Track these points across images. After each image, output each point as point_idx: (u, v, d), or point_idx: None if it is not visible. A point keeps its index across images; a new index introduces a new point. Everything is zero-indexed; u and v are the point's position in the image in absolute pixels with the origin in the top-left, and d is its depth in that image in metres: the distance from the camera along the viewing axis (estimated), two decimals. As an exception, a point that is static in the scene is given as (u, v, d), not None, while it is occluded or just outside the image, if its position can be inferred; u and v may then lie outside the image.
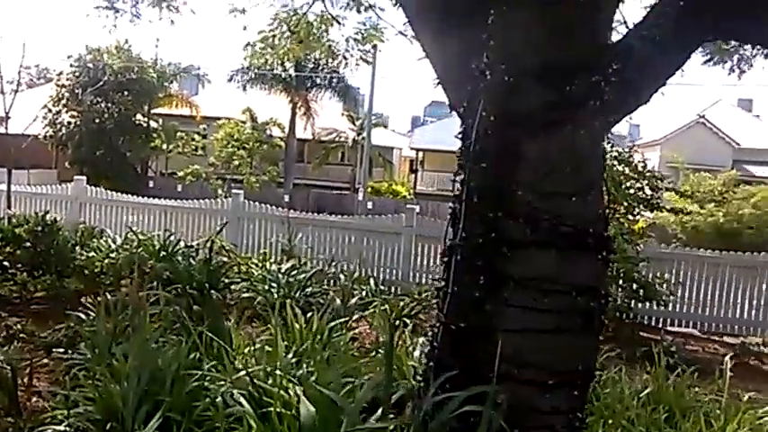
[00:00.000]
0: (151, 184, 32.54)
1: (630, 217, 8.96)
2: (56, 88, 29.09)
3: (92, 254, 9.23)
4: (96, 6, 10.46)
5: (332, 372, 4.26)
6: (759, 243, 24.21)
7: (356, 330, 6.90)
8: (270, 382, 4.09)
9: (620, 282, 8.68)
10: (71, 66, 28.96)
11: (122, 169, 28.87)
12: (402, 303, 8.47)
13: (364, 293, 8.79)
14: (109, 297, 5.94)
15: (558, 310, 3.18)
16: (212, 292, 7.86)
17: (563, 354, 3.24)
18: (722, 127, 34.24)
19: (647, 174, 9.58)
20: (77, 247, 9.35)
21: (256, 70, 32.05)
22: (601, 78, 3.10)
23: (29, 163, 20.92)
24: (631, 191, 9.21)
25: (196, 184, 30.95)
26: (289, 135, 36.45)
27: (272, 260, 10.04)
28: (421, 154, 41.90)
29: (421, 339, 6.28)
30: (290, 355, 4.74)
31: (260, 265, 9.44)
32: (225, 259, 8.93)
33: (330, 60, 28.52)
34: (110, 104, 28.81)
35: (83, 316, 5.98)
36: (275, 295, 7.76)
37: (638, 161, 9.87)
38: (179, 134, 32.78)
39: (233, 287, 8.35)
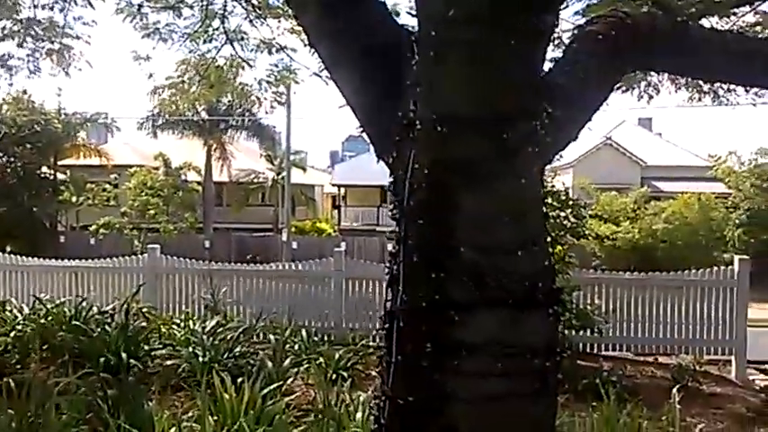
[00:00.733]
0: (62, 239, 31.02)
1: (559, 247, 8.92)
2: (-49, 146, 27.52)
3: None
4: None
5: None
6: (672, 257, 25.16)
7: (292, 392, 6.47)
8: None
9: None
10: (-34, 121, 27.51)
11: (30, 226, 27.41)
12: (337, 355, 8.11)
13: (297, 347, 8.39)
14: (12, 382, 5.33)
15: (513, 374, 2.92)
16: (131, 361, 7.33)
17: (522, 421, 2.98)
18: (628, 147, 35.56)
19: (570, 202, 9.61)
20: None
21: (167, 116, 31.24)
22: (538, 123, 2.91)
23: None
24: (557, 220, 9.19)
25: (110, 237, 29.73)
26: (205, 179, 35.66)
27: (196, 318, 9.50)
28: (343, 190, 41.73)
29: (362, 397, 5.96)
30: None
31: (182, 325, 8.90)
32: (143, 323, 8.35)
33: (243, 102, 28.20)
34: (11, 159, 27.40)
35: (-17, 406, 5.36)
36: (201, 360, 7.26)
37: (560, 190, 9.91)
38: (89, 185, 31.49)
39: (154, 353, 7.78)
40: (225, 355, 7.33)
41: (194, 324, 8.82)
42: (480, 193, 2.88)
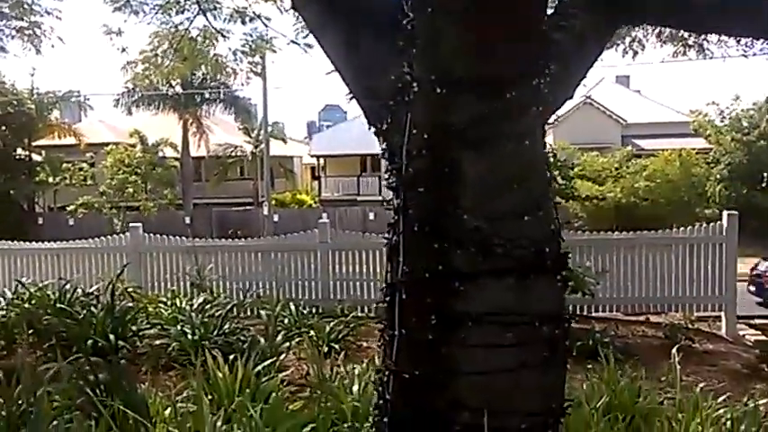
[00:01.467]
0: (40, 220, 30.57)
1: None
2: None
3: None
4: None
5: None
6: (654, 215, 25.27)
7: (284, 367, 6.36)
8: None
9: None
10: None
11: (6, 209, 26.96)
12: (328, 327, 8.02)
13: (286, 321, 8.28)
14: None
15: (522, 344, 2.83)
16: (119, 343, 7.18)
17: (532, 392, 2.90)
18: (608, 105, 35.46)
19: (558, 164, 9.51)
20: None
21: (142, 92, 30.64)
22: (541, 81, 2.77)
23: None
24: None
25: (89, 216, 29.31)
26: (183, 154, 35.11)
27: (182, 295, 9.34)
28: (322, 160, 41.38)
29: (357, 370, 5.87)
30: (218, 420, 4.18)
31: (169, 303, 8.73)
32: (130, 304, 8.17)
33: (219, 74, 27.68)
34: (-16, 142, 26.88)
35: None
36: (191, 338, 7.12)
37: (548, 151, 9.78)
38: (65, 165, 30.92)
39: (142, 333, 7.63)
40: (214, 333, 7.19)
41: (181, 302, 8.66)
42: (483, 158, 2.75)
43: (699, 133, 29.79)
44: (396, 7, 3.04)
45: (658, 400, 5.17)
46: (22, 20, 9.97)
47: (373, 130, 3.51)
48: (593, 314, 10.17)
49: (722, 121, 29.67)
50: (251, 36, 12.38)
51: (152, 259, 10.94)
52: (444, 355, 2.86)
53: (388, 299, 3.12)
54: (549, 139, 32.99)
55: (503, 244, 2.80)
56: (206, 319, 7.51)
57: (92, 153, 32.60)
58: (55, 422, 3.89)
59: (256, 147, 35.91)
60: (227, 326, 7.41)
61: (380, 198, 37.75)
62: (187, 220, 31.19)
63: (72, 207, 29.64)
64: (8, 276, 10.81)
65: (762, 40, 5.16)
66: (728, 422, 4.81)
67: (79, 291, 8.56)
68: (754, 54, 7.37)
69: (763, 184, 27.68)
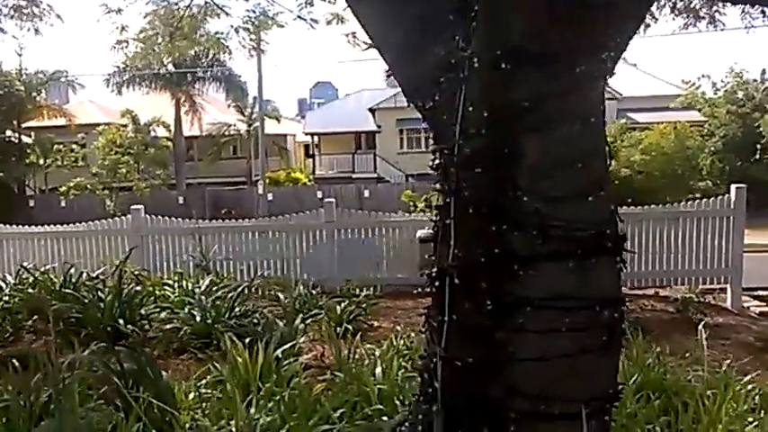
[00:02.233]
0: (32, 203, 30.26)
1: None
2: None
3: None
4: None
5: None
6: (649, 188, 25.22)
7: (299, 350, 6.26)
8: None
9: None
10: None
11: (-3, 192, 26.65)
12: (339, 308, 7.91)
13: (296, 302, 8.16)
14: (16, 360, 5.03)
15: (581, 329, 2.72)
16: (129, 327, 7.05)
17: (590, 378, 2.79)
18: (604, 79, 35.19)
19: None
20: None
21: (133, 71, 30.22)
22: (610, 53, 2.63)
23: None
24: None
25: (81, 198, 29.03)
26: (176, 134, 34.83)
27: (188, 278, 9.19)
28: (316, 138, 41.09)
29: (377, 352, 5.78)
30: (251, 407, 4.07)
31: (176, 286, 8.59)
32: (137, 287, 8.03)
33: (220, 52, 27.28)
34: (-27, 124, 26.45)
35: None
36: (201, 321, 6.99)
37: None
38: (56, 147, 30.54)
39: (151, 317, 7.50)
40: (226, 316, 7.07)
41: (188, 285, 8.53)
42: (547, 137, 2.61)
43: (691, 106, 29.69)
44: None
45: (686, 377, 5.11)
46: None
47: (414, 107, 3.37)
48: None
49: (715, 94, 29.60)
50: (253, 12, 12.13)
51: (154, 241, 10.77)
52: (500, 341, 2.75)
53: (436, 284, 2.99)
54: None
55: (563, 226, 2.67)
56: (216, 302, 7.38)
57: (83, 134, 32.21)
58: (83, 413, 3.76)
59: (250, 125, 35.63)
60: (237, 308, 7.29)
61: (375, 175, 37.64)
62: (180, 200, 30.99)
63: (64, 189, 29.32)
64: (8, 261, 10.63)
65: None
66: (757, 397, 4.78)
67: (84, 275, 8.39)
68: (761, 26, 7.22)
69: (757, 156, 27.71)
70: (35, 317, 7.21)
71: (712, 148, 28.07)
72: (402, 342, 6.05)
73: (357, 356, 5.77)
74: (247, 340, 5.74)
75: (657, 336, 6.95)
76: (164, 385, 4.25)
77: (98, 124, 32.84)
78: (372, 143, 39.36)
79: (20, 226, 11.84)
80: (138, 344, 5.61)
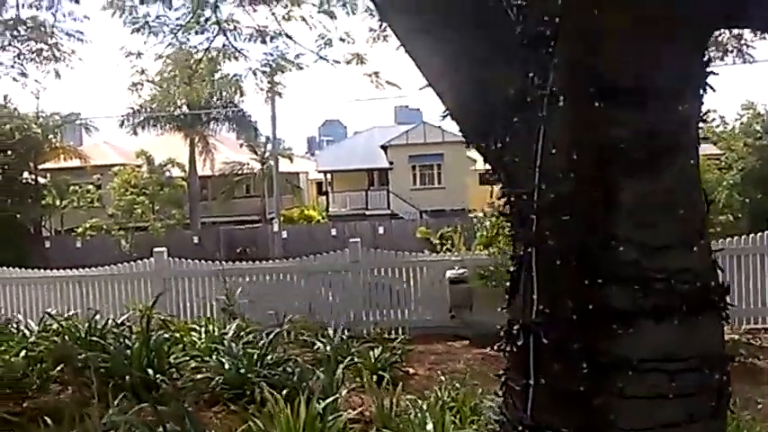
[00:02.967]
0: (47, 244, 30.18)
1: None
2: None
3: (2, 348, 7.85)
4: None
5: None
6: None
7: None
8: None
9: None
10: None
11: (13, 233, 26.56)
12: (372, 354, 7.62)
13: (328, 348, 7.87)
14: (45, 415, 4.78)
15: (688, 393, 2.44)
16: (158, 377, 6.78)
17: (698, 448, 2.51)
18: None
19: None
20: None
21: (149, 112, 30.42)
22: (705, 90, 2.41)
23: None
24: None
25: (97, 239, 28.96)
26: (190, 173, 34.89)
27: (213, 323, 8.94)
28: (329, 176, 41.07)
29: (424, 405, 5.48)
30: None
31: (203, 332, 8.34)
32: (166, 334, 7.77)
33: (232, 93, 27.40)
34: (-9, 167, 26.55)
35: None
36: (234, 371, 6.72)
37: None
38: (72, 188, 30.61)
39: (180, 365, 7.23)
40: (258, 364, 6.79)
41: (215, 330, 8.27)
42: (646, 180, 2.38)
43: (707, 138, 29.49)
44: (518, 13, 2.68)
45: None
46: (39, 42, 9.62)
47: (474, 149, 3.15)
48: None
49: (725, 128, 29.50)
50: (271, 55, 12.14)
51: (177, 284, 10.55)
52: (598, 407, 2.48)
53: (518, 342, 2.73)
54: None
55: (665, 278, 2.42)
56: (247, 349, 7.12)
57: (98, 175, 32.28)
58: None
59: (263, 164, 35.67)
60: (269, 356, 7.02)
61: (389, 212, 37.48)
62: (195, 240, 30.85)
63: (80, 230, 29.29)
64: (30, 306, 10.44)
65: None
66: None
67: (110, 321, 8.16)
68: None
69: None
70: (61, 366, 6.96)
71: (731, 181, 27.77)
72: (447, 393, 5.75)
73: (399, 409, 5.49)
74: (284, 392, 5.47)
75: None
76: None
77: (113, 165, 32.94)
78: (385, 180, 39.30)
79: (37, 270, 11.67)
80: (172, 397, 5.34)
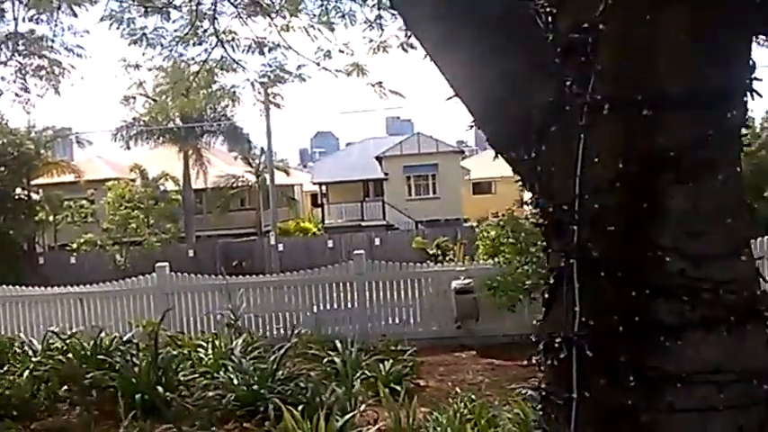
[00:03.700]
0: (41, 260, 29.95)
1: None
2: None
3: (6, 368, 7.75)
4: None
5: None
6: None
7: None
8: None
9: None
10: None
11: (6, 249, 26.34)
12: (382, 367, 7.55)
13: (338, 360, 7.80)
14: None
15: (737, 405, 2.40)
16: (168, 395, 6.70)
17: (745, 461, 2.46)
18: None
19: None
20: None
21: (143, 125, 30.33)
22: (749, 97, 2.38)
23: None
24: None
25: (91, 254, 28.77)
26: (184, 187, 34.76)
27: (219, 338, 8.84)
28: (324, 187, 41.01)
29: (442, 418, 5.42)
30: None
31: (209, 348, 8.25)
32: (172, 351, 7.68)
33: (219, 106, 27.33)
34: (-16, 184, 26.36)
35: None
36: (245, 387, 6.64)
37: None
38: (65, 203, 30.42)
39: (190, 383, 7.14)
40: (269, 380, 6.71)
41: (222, 345, 8.18)
42: (695, 190, 2.34)
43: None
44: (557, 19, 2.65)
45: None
46: (40, 58, 9.52)
47: (503, 159, 3.10)
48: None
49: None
50: (269, 66, 12.09)
51: (180, 299, 10.46)
52: (647, 423, 2.44)
53: (560, 356, 2.68)
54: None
55: (712, 289, 2.38)
56: (256, 364, 7.04)
57: (92, 190, 32.09)
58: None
59: (258, 176, 35.58)
60: (280, 371, 6.94)
61: (384, 223, 37.40)
62: (191, 254, 30.69)
63: (74, 245, 29.09)
64: (32, 324, 10.31)
65: None
66: None
67: (115, 338, 8.06)
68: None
69: (766, 194, 27.51)
70: (68, 385, 6.86)
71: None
72: (463, 405, 5.69)
73: (416, 423, 5.43)
74: (300, 408, 5.40)
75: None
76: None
77: (107, 180, 32.75)
78: (380, 191, 39.25)
79: (35, 287, 11.53)
80: (188, 415, 5.26)
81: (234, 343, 8.19)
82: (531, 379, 6.66)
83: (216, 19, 11.35)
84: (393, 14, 9.46)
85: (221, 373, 7.26)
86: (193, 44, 11.54)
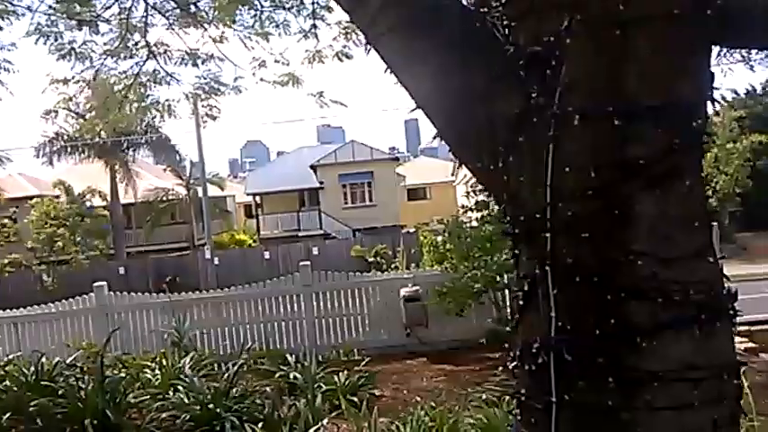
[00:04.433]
0: (-40, 283, 28.56)
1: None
2: None
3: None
4: None
5: None
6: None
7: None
8: None
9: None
10: None
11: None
12: (337, 378, 7.53)
13: (292, 375, 7.73)
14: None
15: (711, 400, 2.52)
16: (118, 419, 6.50)
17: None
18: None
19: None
20: None
21: (67, 140, 29.34)
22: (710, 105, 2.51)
23: None
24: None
25: (15, 275, 27.63)
26: (112, 202, 33.75)
27: (164, 357, 8.63)
28: (258, 198, 40.54)
29: (408, 430, 5.45)
30: None
31: (156, 368, 8.05)
32: (120, 373, 7.46)
33: (146, 119, 26.70)
34: None
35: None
36: (199, 406, 6.50)
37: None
38: (-15, 223, 29.17)
39: (141, 405, 6.95)
40: (224, 398, 6.59)
41: (170, 364, 8.00)
42: (662, 196, 2.45)
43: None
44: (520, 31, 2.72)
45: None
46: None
47: (467, 169, 3.16)
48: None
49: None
50: (204, 78, 11.91)
51: (122, 319, 10.16)
52: (627, 421, 2.53)
53: (537, 362, 2.74)
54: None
55: (682, 290, 2.49)
56: (211, 383, 6.91)
57: (14, 208, 30.84)
58: None
59: (189, 189, 34.90)
60: (234, 388, 6.83)
61: (321, 232, 37.23)
62: (121, 271, 29.81)
63: (-3, 266, 27.92)
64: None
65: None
66: None
67: (58, 363, 7.76)
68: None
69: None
70: (11, 415, 6.56)
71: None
72: (423, 413, 5.73)
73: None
74: (259, 425, 5.34)
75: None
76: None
77: (30, 197, 31.54)
78: (316, 200, 39.10)
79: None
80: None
81: (182, 362, 8.03)
82: (485, 383, 6.79)
83: (147, 31, 11.11)
84: (328, 24, 9.52)
85: (172, 393, 7.10)
86: (124, 57, 11.28)
